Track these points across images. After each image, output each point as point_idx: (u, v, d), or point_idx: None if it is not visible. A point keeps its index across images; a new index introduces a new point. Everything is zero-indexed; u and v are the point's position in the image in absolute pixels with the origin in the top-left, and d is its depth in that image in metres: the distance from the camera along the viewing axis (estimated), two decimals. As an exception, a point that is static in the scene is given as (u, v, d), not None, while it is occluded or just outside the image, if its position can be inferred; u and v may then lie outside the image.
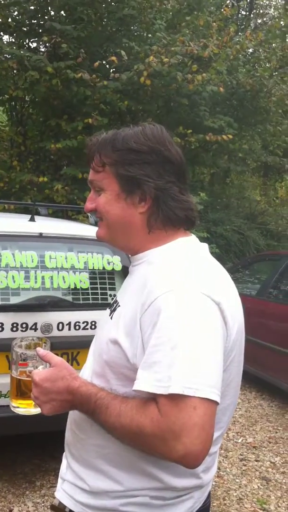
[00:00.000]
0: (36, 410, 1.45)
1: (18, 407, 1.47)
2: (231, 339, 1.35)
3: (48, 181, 8.00)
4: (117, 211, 1.43)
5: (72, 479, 1.48)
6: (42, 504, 3.53)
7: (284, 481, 4.21)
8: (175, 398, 1.19)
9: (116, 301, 1.49)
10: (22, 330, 3.52)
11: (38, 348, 1.43)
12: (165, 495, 1.37)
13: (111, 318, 1.45)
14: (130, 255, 1.53)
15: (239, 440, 4.94)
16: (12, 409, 1.48)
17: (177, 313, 1.24)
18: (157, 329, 1.24)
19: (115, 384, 1.37)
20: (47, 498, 3.60)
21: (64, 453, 1.61)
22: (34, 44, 8.91)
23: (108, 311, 1.53)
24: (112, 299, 3.94)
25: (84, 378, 1.44)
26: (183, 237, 1.47)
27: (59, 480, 1.56)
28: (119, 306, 1.44)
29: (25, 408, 1.46)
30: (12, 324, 3.50)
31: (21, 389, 1.46)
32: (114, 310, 1.46)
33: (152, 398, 1.24)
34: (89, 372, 1.47)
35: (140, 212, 1.43)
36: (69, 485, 1.48)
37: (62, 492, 1.50)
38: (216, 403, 1.23)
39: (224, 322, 1.31)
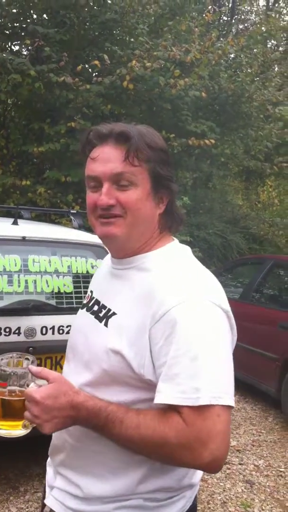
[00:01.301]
0: (19, 432, 1.39)
1: (0, 429, 1.40)
2: (234, 343, 1.39)
3: (31, 185, 7.96)
4: (148, 209, 1.40)
5: (63, 486, 1.45)
6: (26, 510, 3.50)
7: (267, 484, 4.23)
8: (201, 408, 1.21)
9: (104, 306, 1.44)
10: (5, 335, 3.49)
11: (30, 366, 1.37)
12: (159, 496, 1.38)
13: (105, 325, 1.40)
14: (116, 258, 1.48)
15: (223, 443, 4.95)
16: None
17: (192, 324, 1.25)
18: (175, 341, 1.24)
19: (115, 391, 1.35)
20: (31, 503, 3.57)
21: (48, 461, 1.58)
22: (17, 47, 8.88)
23: (89, 314, 1.48)
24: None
25: None
26: (170, 241, 1.47)
27: (47, 488, 1.53)
28: (114, 314, 1.39)
29: (8, 430, 1.40)
30: (-5, 329, 3.47)
31: (7, 410, 1.39)
32: (107, 317, 1.41)
33: (172, 408, 1.24)
34: (80, 381, 1.42)
35: (159, 212, 1.43)
36: (59, 491, 1.46)
37: (52, 499, 1.48)
38: (232, 408, 1.26)
39: (231, 329, 1.35)
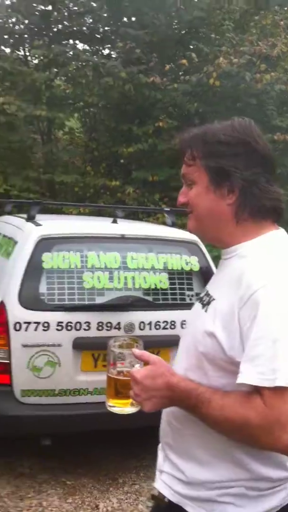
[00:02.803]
0: (130, 410, 1.48)
1: (114, 406, 1.50)
2: None
3: (120, 185, 8.12)
4: (206, 203, 1.46)
5: (170, 470, 1.51)
6: (126, 501, 3.60)
7: None
8: (280, 390, 1.23)
9: (209, 294, 1.50)
10: (106, 329, 3.61)
11: (133, 349, 1.46)
12: (260, 485, 1.40)
13: (205, 311, 1.46)
14: (221, 248, 1.54)
15: None
16: (108, 408, 1.52)
17: (276, 306, 1.27)
18: (256, 323, 1.27)
19: (213, 376, 1.39)
20: (130, 495, 3.67)
21: (159, 446, 1.64)
22: (107, 51, 9.08)
23: (199, 304, 1.54)
24: (190, 299, 3.95)
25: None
26: (273, 230, 1.48)
27: (157, 472, 1.60)
28: (213, 299, 1.45)
29: (120, 407, 1.49)
30: (98, 323, 3.60)
31: (118, 389, 1.48)
32: (208, 303, 1.47)
33: (255, 391, 1.27)
34: (182, 366, 1.49)
35: (228, 203, 1.44)
36: (167, 476, 1.52)
37: (161, 483, 1.54)
38: None
39: None
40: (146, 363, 1.44)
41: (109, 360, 1.50)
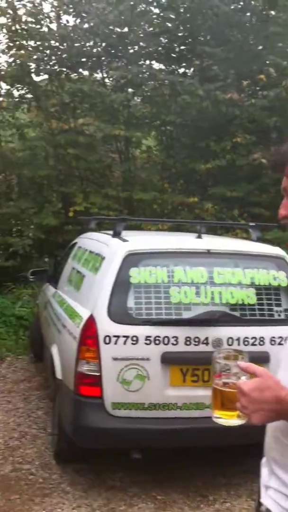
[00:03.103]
0: (236, 422, 1.46)
1: (220, 418, 1.49)
2: None
3: (198, 201, 8.16)
4: None
5: (277, 486, 1.48)
6: (217, 519, 3.55)
7: None
8: None
9: None
10: (194, 344, 3.61)
11: (239, 362, 1.45)
12: None
13: None
14: None
15: None
16: (214, 419, 1.50)
17: None
18: None
19: None
20: (221, 512, 3.61)
21: (263, 461, 1.62)
22: (182, 70, 9.20)
23: None
24: (279, 315, 3.87)
25: None
26: None
27: (262, 488, 1.57)
28: None
29: (227, 419, 1.48)
30: (186, 338, 3.60)
31: (224, 400, 1.47)
32: None
33: None
34: None
35: None
36: (274, 491, 1.49)
37: (268, 499, 1.51)
38: None
39: None
40: (252, 375, 1.43)
41: (215, 371, 1.50)
